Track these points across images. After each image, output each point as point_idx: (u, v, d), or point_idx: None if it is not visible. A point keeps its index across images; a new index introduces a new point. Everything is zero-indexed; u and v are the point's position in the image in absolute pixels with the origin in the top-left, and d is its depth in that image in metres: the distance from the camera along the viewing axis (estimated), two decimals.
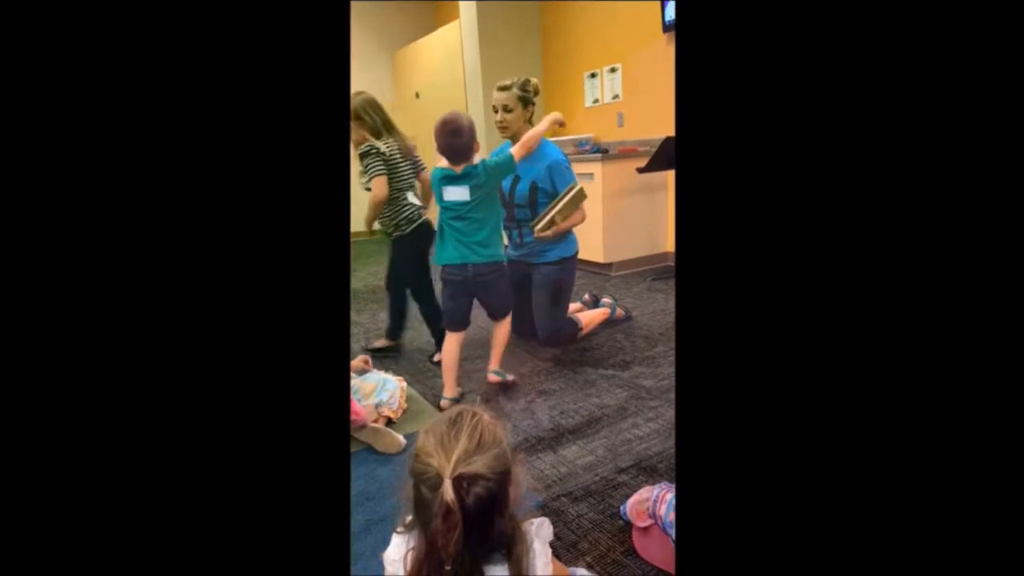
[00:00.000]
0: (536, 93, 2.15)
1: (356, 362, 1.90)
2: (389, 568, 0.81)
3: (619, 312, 2.57)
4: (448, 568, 0.71)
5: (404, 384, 1.87)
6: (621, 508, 1.21)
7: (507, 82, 2.11)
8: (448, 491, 0.67)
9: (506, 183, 2.24)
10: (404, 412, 1.78)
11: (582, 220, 2.25)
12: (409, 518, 0.77)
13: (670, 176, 3.45)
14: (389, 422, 1.71)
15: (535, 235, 2.17)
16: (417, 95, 5.14)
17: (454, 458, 0.69)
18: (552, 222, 2.15)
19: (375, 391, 1.74)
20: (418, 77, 5.07)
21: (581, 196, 2.14)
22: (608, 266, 3.53)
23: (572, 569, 0.99)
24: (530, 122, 2.18)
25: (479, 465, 0.70)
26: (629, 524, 1.17)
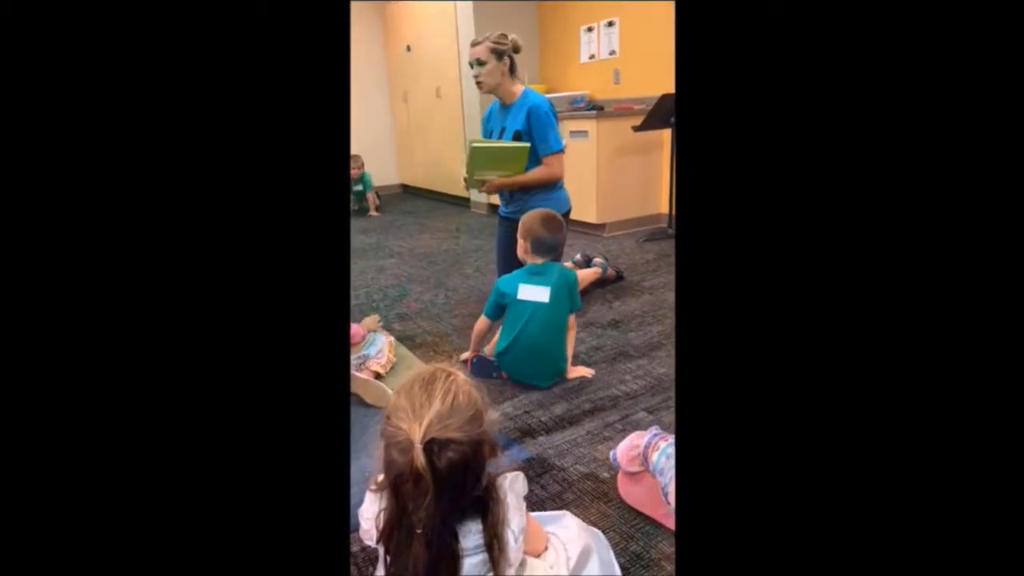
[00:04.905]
0: (516, 49, 2.08)
1: (369, 321, 1.92)
2: (364, 524, 0.80)
3: (610, 272, 2.57)
4: (419, 531, 0.69)
5: (392, 339, 1.87)
6: (611, 454, 1.22)
7: (480, 37, 2.06)
8: (419, 457, 0.65)
9: (494, 135, 2.21)
10: (392, 367, 1.78)
11: (548, 177, 2.13)
12: (381, 477, 0.75)
13: (666, 135, 3.39)
14: (378, 376, 1.71)
15: (481, 189, 2.16)
16: (408, 48, 4.99)
17: (425, 422, 0.66)
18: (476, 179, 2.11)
19: (364, 345, 1.74)
20: (410, 30, 4.92)
21: (475, 151, 2.03)
22: (601, 226, 3.51)
23: (558, 513, 1.01)
24: (512, 75, 2.11)
25: (452, 429, 0.67)
26: (616, 471, 1.19)
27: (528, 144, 2.03)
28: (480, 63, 2.04)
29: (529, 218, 1.69)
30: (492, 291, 1.71)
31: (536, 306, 1.63)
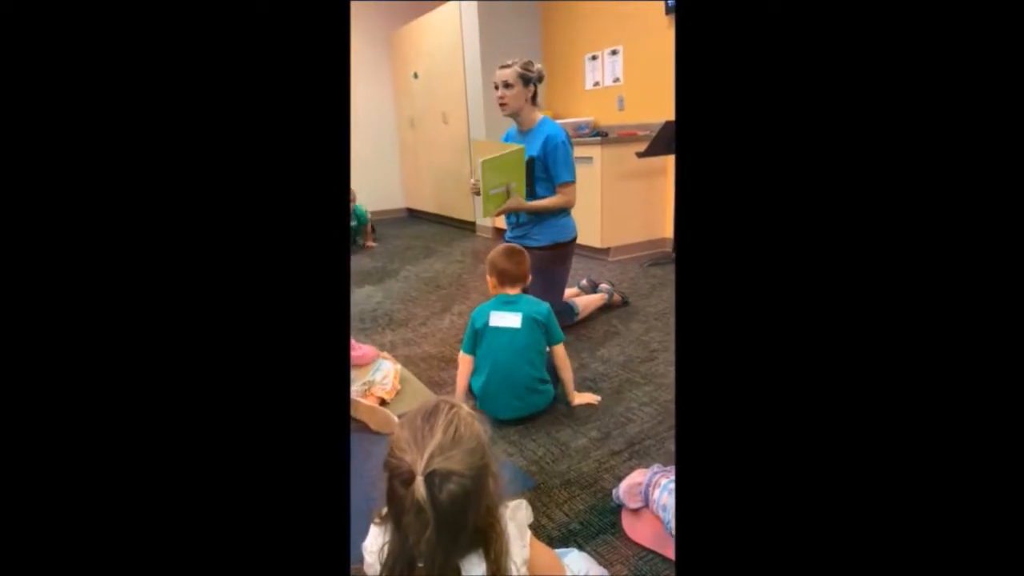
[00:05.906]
0: (540, 78, 2.16)
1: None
2: (368, 558, 0.79)
3: (616, 297, 2.57)
4: (420, 565, 0.68)
5: (398, 365, 1.87)
6: (614, 492, 1.21)
7: (510, 61, 2.13)
8: (419, 488, 0.64)
9: None
10: (398, 394, 1.78)
11: (563, 204, 2.18)
12: (385, 510, 0.75)
13: (670, 161, 3.42)
14: (383, 403, 1.71)
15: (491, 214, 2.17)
16: (415, 75, 5.08)
17: (427, 454, 0.66)
18: (486, 194, 2.10)
19: (369, 371, 1.73)
20: (416, 57, 5.01)
21: (484, 165, 2.02)
22: (605, 251, 3.52)
23: (564, 550, 0.99)
24: (533, 102, 2.17)
25: (454, 461, 0.67)
26: (620, 506, 1.18)
27: (523, 146, 2.08)
28: (507, 85, 2.12)
29: (493, 254, 1.73)
30: (468, 324, 1.69)
31: (508, 335, 1.62)
